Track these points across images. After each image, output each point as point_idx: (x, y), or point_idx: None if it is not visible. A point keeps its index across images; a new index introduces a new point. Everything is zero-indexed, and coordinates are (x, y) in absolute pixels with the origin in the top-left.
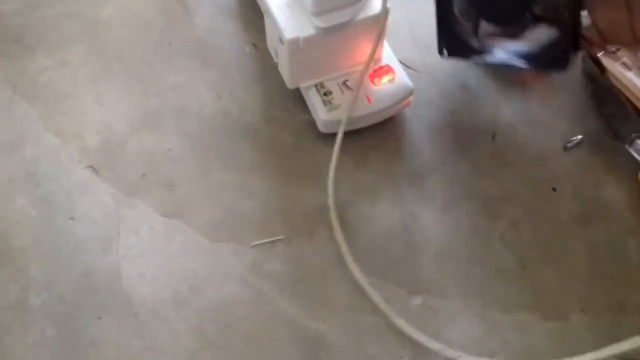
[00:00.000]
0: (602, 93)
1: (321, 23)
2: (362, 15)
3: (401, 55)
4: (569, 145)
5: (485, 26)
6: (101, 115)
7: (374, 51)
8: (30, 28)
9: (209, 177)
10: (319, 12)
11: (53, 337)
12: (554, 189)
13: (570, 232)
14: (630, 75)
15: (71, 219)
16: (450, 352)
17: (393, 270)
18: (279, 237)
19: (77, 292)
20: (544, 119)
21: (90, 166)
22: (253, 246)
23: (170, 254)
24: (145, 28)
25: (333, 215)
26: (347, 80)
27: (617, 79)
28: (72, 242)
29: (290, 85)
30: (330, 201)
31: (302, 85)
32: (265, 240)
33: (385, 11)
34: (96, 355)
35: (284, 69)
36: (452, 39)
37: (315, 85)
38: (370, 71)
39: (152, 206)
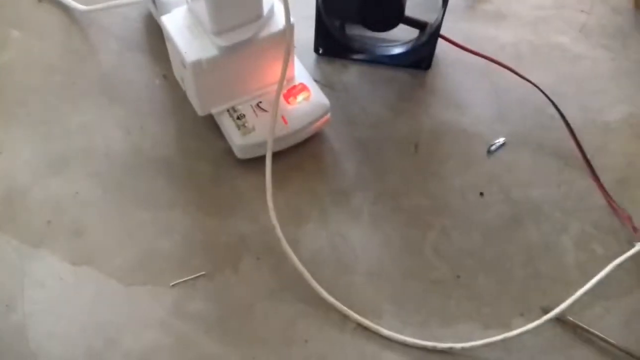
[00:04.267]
0: None
1: (223, 42)
2: (266, 32)
3: (316, 74)
4: (492, 148)
5: (358, 28)
6: (2, 164)
7: (285, 68)
8: None
9: (121, 218)
10: (219, 31)
11: None
12: (481, 194)
13: (502, 236)
14: None
15: None
16: None
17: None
18: (201, 273)
19: None
20: (465, 126)
21: None
22: (173, 286)
23: (82, 306)
24: (47, 70)
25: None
26: (260, 102)
27: None
28: None
29: (200, 112)
30: (278, 231)
31: (214, 111)
32: (186, 278)
33: (290, 27)
34: None
35: (192, 96)
36: (328, 39)
37: (228, 110)
38: (284, 91)
39: (60, 255)
